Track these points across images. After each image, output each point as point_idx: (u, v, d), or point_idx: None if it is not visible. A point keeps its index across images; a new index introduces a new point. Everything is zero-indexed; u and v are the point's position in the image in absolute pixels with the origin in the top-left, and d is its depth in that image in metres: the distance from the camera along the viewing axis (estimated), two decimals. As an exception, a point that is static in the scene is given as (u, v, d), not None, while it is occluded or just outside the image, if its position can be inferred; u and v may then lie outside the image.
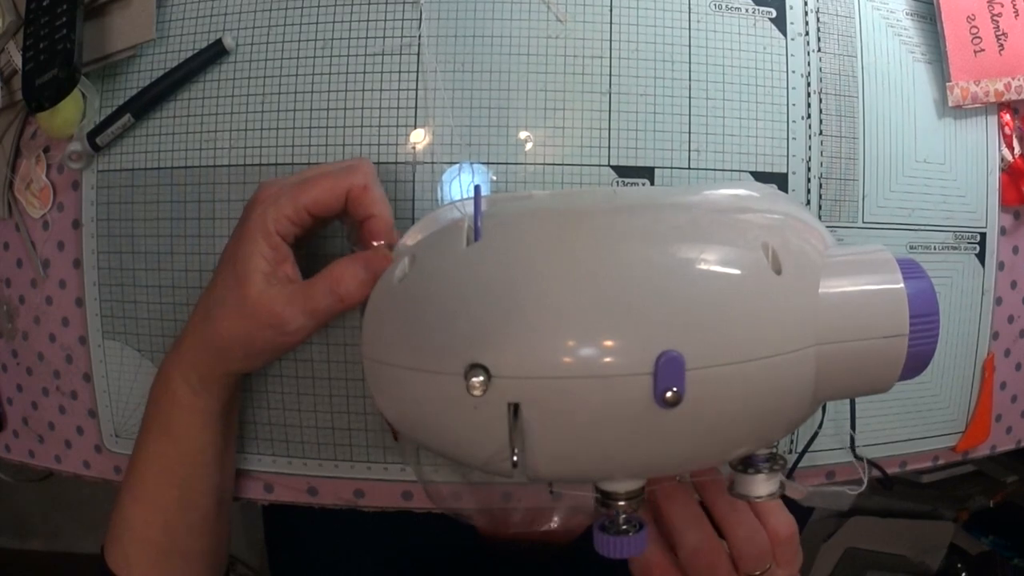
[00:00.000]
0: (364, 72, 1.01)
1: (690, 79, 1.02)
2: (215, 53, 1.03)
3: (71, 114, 1.05)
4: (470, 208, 0.81)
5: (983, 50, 1.08)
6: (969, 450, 1.17)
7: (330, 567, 1.37)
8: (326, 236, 1.01)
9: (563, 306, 0.71)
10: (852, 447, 1.07)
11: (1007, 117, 1.13)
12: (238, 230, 0.92)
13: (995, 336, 1.15)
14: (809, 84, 1.04)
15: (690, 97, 1.02)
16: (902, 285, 0.75)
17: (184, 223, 1.05)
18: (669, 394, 0.68)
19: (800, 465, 1.05)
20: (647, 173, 1.01)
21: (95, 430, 1.14)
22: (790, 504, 0.93)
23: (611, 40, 1.01)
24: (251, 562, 2.44)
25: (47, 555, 2.94)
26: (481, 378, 0.69)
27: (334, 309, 0.89)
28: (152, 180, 1.06)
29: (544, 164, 1.00)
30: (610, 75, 1.01)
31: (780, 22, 1.04)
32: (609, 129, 1.01)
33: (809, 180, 1.04)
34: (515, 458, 0.74)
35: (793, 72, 1.04)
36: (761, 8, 1.04)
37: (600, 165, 1.01)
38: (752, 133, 1.03)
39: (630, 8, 1.02)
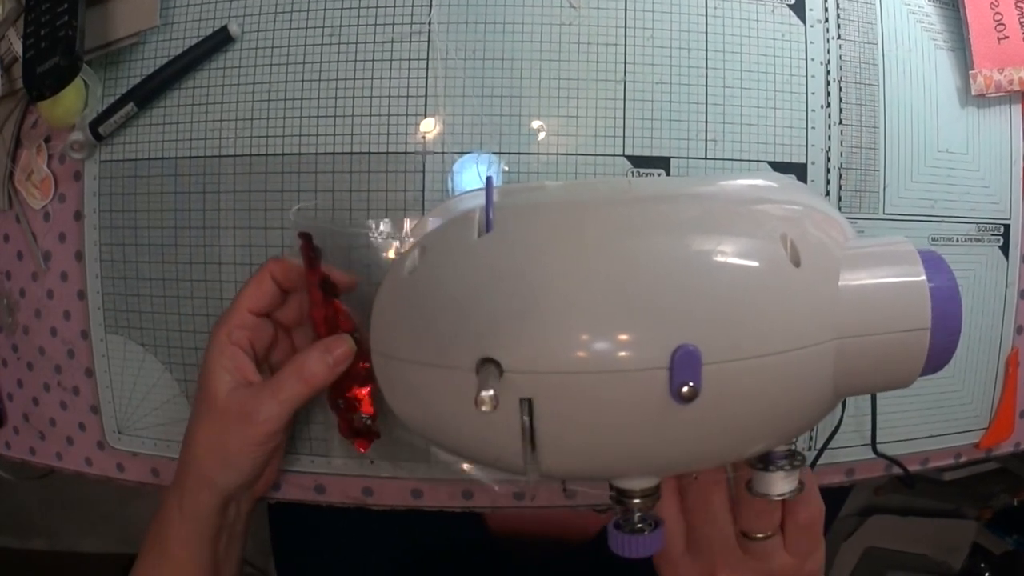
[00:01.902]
0: (373, 60, 1.01)
1: (707, 67, 1.02)
2: (220, 40, 1.03)
3: (73, 103, 1.05)
4: (482, 199, 0.81)
5: (1007, 37, 1.08)
6: (992, 447, 1.17)
7: (337, 567, 1.37)
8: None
9: (576, 299, 0.71)
10: (873, 444, 1.07)
11: (1032, 106, 1.13)
12: (204, 356, 0.98)
13: (1019, 330, 1.15)
14: (829, 72, 1.04)
15: (707, 85, 1.02)
16: (924, 278, 0.75)
17: (188, 214, 1.05)
18: (685, 389, 0.68)
19: (819, 462, 1.05)
20: (663, 163, 1.01)
21: (97, 427, 1.15)
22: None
23: (626, 27, 1.01)
24: (256, 562, 2.44)
25: (48, 555, 2.94)
26: (491, 392, 0.69)
27: (302, 394, 0.93)
28: (156, 171, 1.06)
29: (557, 154, 1.01)
30: (625, 63, 1.01)
31: (799, 9, 1.04)
32: (624, 118, 1.01)
33: (829, 170, 1.04)
34: (527, 456, 0.74)
35: (812, 60, 1.04)
36: (780, -6, 1.04)
37: (614, 155, 1.01)
38: (770, 122, 1.03)
39: (645, -6, 1.02)
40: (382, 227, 1.00)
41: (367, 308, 0.86)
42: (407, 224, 1.00)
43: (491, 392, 0.67)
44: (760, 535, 0.92)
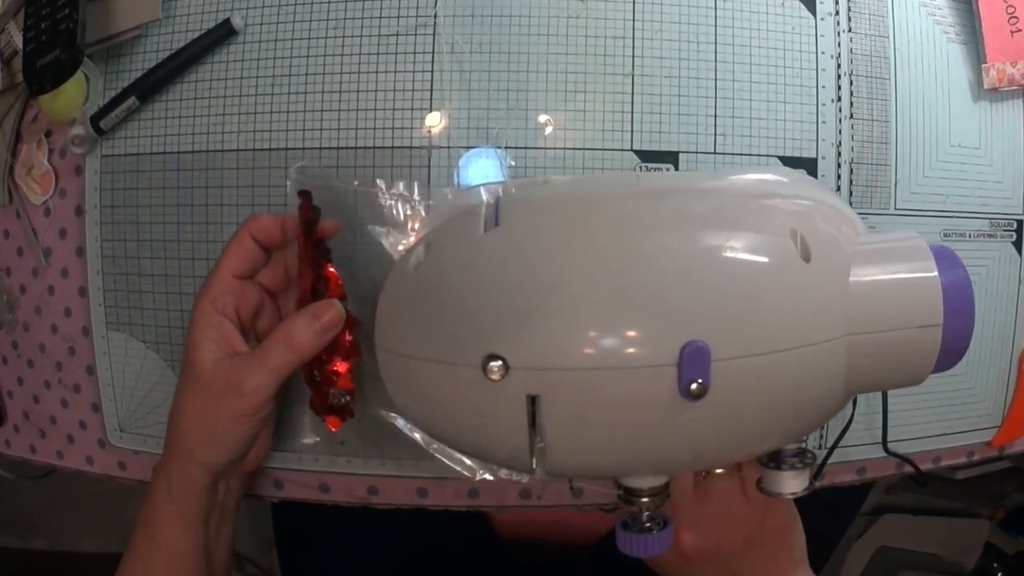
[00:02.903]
0: (378, 53, 1.02)
1: (716, 60, 1.02)
2: (223, 33, 1.03)
3: (74, 97, 1.05)
4: (489, 193, 0.82)
5: (1020, 30, 1.08)
6: (1006, 445, 1.17)
7: (342, 568, 1.37)
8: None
9: (584, 295, 0.71)
10: (884, 442, 1.07)
11: (1046, 100, 1.13)
12: (188, 327, 0.96)
13: (1032, 327, 1.15)
14: (839, 66, 1.04)
15: (716, 79, 1.02)
16: (936, 273, 0.75)
17: (191, 210, 1.05)
18: (694, 386, 0.68)
19: (830, 461, 1.05)
20: (671, 158, 1.01)
21: (99, 425, 1.15)
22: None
23: (634, 20, 1.01)
24: (260, 562, 2.45)
25: (49, 554, 2.94)
26: (500, 362, 0.69)
27: (290, 362, 0.91)
28: (158, 165, 1.06)
29: (564, 148, 1.01)
30: (633, 56, 1.01)
31: (809, 1, 1.04)
32: (632, 112, 1.01)
33: (839, 165, 1.04)
34: (533, 453, 0.74)
35: (823, 53, 1.04)
36: (789, -14, 1.04)
37: (622, 150, 1.01)
38: (780, 116, 1.03)
39: (653, -14, 1.02)
40: (395, 188, 0.99)
41: (369, 300, 0.87)
42: (416, 188, 1.00)
43: (499, 362, 0.68)
44: (718, 470, 0.93)
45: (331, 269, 0.95)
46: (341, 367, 0.96)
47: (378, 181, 1.00)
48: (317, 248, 0.94)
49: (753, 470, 0.93)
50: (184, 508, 0.97)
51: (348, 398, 0.97)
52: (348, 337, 0.95)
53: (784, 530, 0.99)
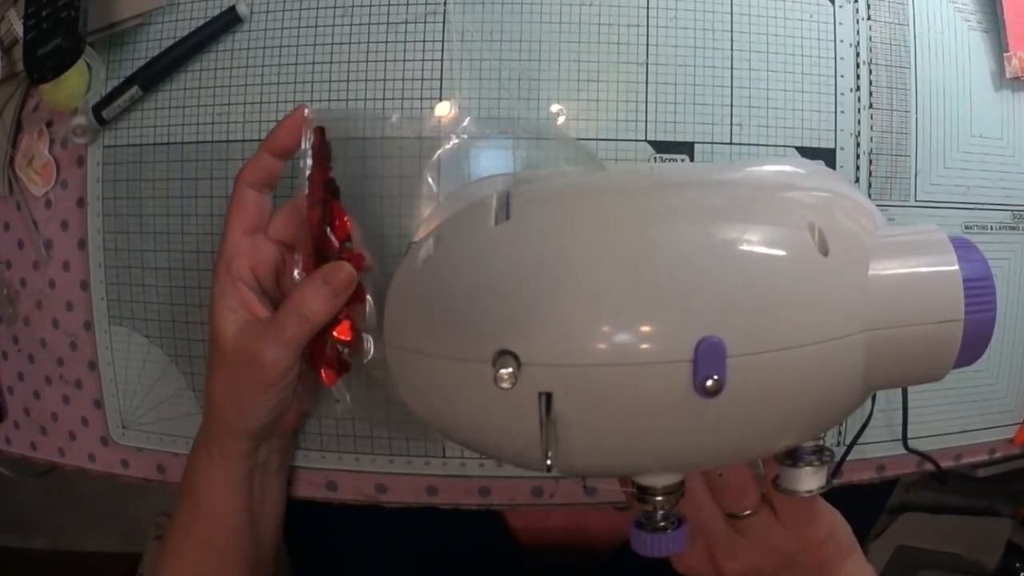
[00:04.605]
0: (386, 41, 1.02)
1: (732, 49, 1.02)
2: (228, 21, 1.04)
3: (75, 86, 1.06)
4: (498, 185, 0.82)
5: (1044, 18, 1.08)
6: (1028, 443, 1.17)
7: (354, 568, 1.37)
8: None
9: (597, 289, 0.71)
10: (904, 439, 1.07)
11: (1069, 90, 1.13)
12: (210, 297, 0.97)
13: (1056, 322, 1.15)
14: (858, 54, 1.04)
15: (732, 68, 1.02)
16: (957, 267, 0.75)
17: (195, 201, 1.06)
18: (710, 383, 0.68)
19: (849, 458, 1.06)
20: (686, 149, 1.01)
21: (101, 421, 1.15)
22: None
23: (648, 7, 1.01)
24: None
25: (50, 554, 2.95)
26: (510, 369, 0.69)
27: (305, 331, 0.91)
28: (161, 156, 1.07)
29: (577, 139, 1.01)
30: (647, 44, 1.01)
31: (827, -12, 1.04)
32: (646, 102, 1.01)
33: (858, 156, 1.04)
34: (547, 451, 0.74)
35: (841, 41, 1.04)
36: (807, -27, 1.04)
37: (636, 140, 1.01)
38: (798, 106, 1.03)
39: (668, -27, 1.02)
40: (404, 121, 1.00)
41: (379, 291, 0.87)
42: (438, 108, 1.00)
43: (510, 369, 0.68)
44: (746, 513, 0.93)
45: (338, 206, 0.95)
46: (341, 312, 0.94)
47: (390, 113, 1.00)
48: (327, 185, 0.94)
49: (780, 498, 0.93)
50: (225, 471, 0.98)
51: (346, 349, 0.96)
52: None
53: (827, 540, 0.99)
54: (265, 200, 0.97)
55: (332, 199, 0.95)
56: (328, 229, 0.94)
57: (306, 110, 0.96)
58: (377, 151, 1.01)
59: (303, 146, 0.94)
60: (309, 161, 0.95)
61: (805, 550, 0.98)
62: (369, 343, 0.98)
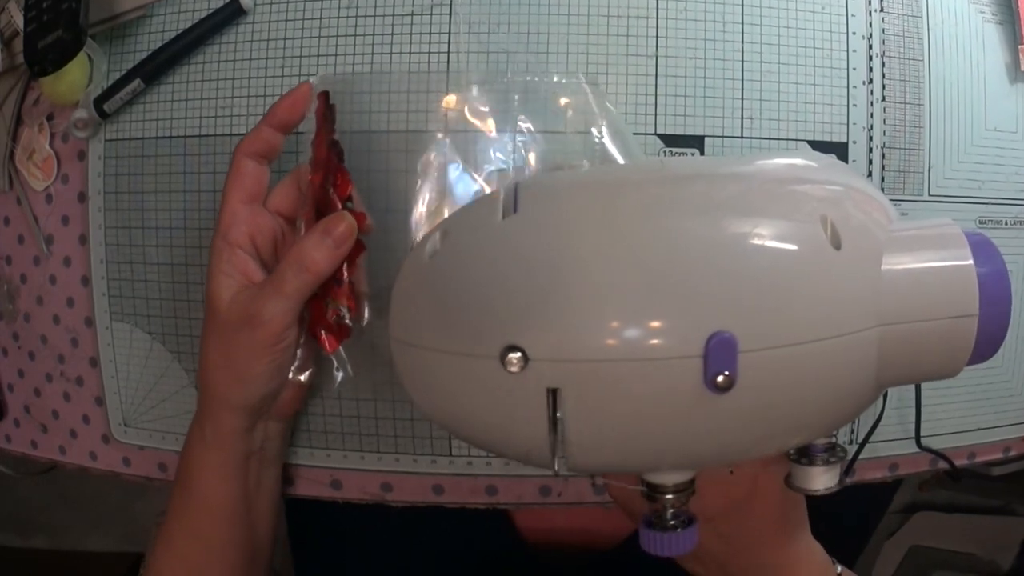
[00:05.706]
0: (392, 33, 1.02)
1: (743, 41, 1.02)
2: (231, 13, 1.04)
3: (76, 79, 1.06)
4: (506, 179, 0.82)
5: (1060, 9, 1.08)
6: (1043, 441, 1.17)
7: (359, 568, 1.37)
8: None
9: (606, 284, 0.71)
10: (917, 437, 1.07)
11: (1086, 82, 1.13)
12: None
13: (1072, 318, 1.15)
14: (871, 47, 1.04)
15: (743, 60, 1.02)
16: (971, 262, 0.75)
17: (198, 196, 1.06)
18: (720, 378, 0.68)
19: (861, 456, 1.05)
20: (697, 142, 1.01)
21: (102, 419, 1.15)
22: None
23: (657, -2, 1.02)
24: (274, 561, 2.46)
25: (50, 553, 2.95)
26: (519, 353, 0.69)
27: (307, 282, 0.91)
28: (164, 150, 1.07)
29: (586, 132, 1.00)
30: (656, 36, 1.01)
31: (840, -21, 1.04)
32: (656, 95, 1.01)
33: (871, 150, 1.04)
34: (555, 449, 0.74)
35: (854, 34, 1.04)
36: (819, -36, 1.04)
37: (646, 134, 1.01)
38: (809, 99, 1.03)
39: (678, -36, 1.02)
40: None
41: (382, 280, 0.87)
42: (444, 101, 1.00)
43: (518, 354, 0.68)
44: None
45: (341, 167, 0.95)
46: (342, 273, 0.94)
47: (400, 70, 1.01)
48: (331, 147, 0.95)
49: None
50: (220, 455, 0.98)
51: (348, 312, 0.95)
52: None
53: (776, 497, 0.98)
54: (264, 171, 0.97)
55: (337, 163, 0.95)
56: (331, 190, 0.94)
57: (313, 78, 0.96)
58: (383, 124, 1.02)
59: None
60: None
61: (750, 500, 0.97)
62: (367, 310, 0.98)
